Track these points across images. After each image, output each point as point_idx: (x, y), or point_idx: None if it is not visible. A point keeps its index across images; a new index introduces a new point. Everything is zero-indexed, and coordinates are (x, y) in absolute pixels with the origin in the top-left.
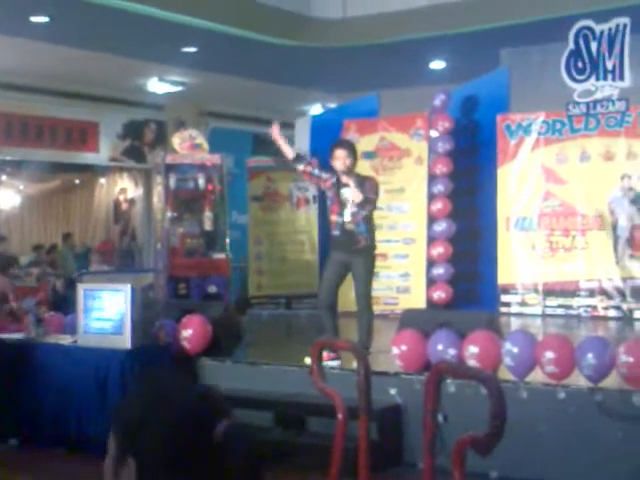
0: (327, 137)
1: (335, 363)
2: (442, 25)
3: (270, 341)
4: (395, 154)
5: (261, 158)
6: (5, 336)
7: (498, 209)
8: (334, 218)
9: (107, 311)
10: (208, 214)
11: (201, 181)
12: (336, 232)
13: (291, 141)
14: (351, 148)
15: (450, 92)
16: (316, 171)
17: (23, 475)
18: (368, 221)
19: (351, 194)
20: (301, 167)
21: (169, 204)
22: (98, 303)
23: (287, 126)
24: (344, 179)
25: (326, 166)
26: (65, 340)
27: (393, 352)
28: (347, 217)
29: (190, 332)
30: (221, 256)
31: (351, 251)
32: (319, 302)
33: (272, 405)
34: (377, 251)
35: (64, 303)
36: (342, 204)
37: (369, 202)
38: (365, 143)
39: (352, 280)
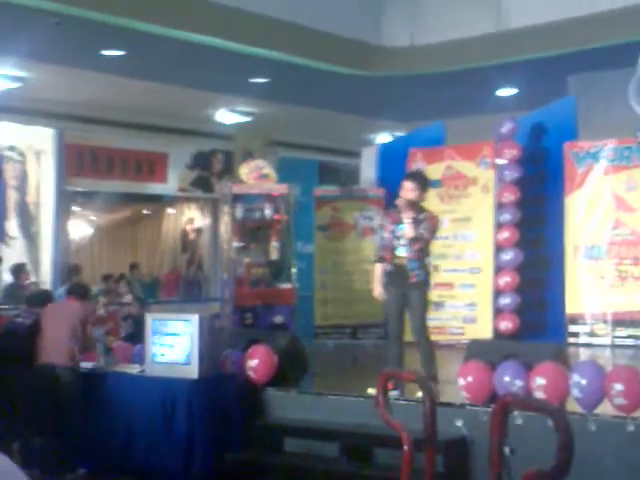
0: (394, 166)
1: (395, 393)
2: (509, 52)
3: (336, 371)
4: (461, 182)
5: (328, 187)
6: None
7: (566, 238)
8: (389, 254)
9: (175, 341)
10: (274, 244)
11: (268, 211)
12: (389, 267)
13: (357, 169)
14: (419, 181)
15: (517, 120)
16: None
17: None
18: (420, 258)
19: (405, 230)
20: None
21: (236, 234)
22: (166, 333)
23: (353, 155)
24: (404, 214)
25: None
26: (133, 369)
27: (459, 383)
28: (400, 252)
29: (256, 362)
30: (287, 286)
31: (405, 285)
32: (389, 332)
33: (338, 436)
34: (443, 281)
35: (139, 330)
36: (397, 239)
37: (421, 240)
38: (431, 172)
39: (407, 313)
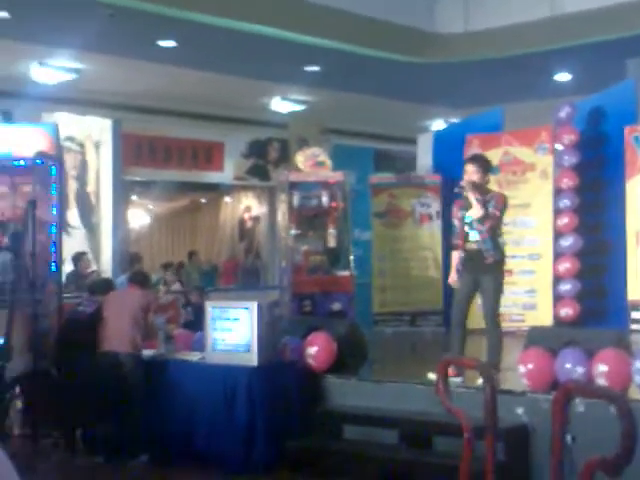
0: (450, 152)
1: (457, 380)
2: (566, 36)
3: (395, 358)
4: (519, 168)
5: (384, 175)
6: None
7: (627, 223)
8: (462, 240)
9: (234, 328)
10: (331, 231)
11: (324, 198)
12: (463, 253)
13: (413, 156)
14: (481, 163)
15: (575, 104)
16: (457, 222)
17: None
18: (493, 237)
19: (473, 210)
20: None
21: (293, 221)
22: (226, 320)
23: (409, 142)
24: (470, 195)
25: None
26: (194, 357)
27: (520, 370)
28: (472, 236)
29: (315, 349)
30: (345, 273)
31: (479, 270)
32: (452, 318)
33: (397, 423)
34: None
35: (198, 318)
36: (468, 224)
37: (490, 217)
38: (490, 158)
39: (480, 298)
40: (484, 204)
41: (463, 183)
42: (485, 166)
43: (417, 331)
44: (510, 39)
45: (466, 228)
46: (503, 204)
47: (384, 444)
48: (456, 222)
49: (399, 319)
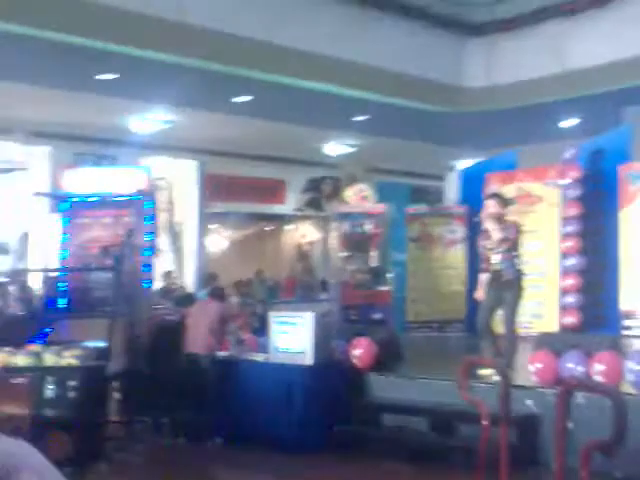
0: (473, 187)
1: (489, 372)
2: (572, 89)
3: (425, 359)
4: (530, 201)
5: (418, 206)
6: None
7: (620, 246)
8: (486, 264)
9: (293, 334)
10: (374, 253)
11: (368, 226)
12: (488, 273)
13: (442, 191)
14: (498, 199)
15: (579, 146)
16: (482, 250)
17: (226, 468)
18: (510, 258)
19: (493, 235)
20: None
21: (342, 245)
22: (286, 327)
23: (439, 178)
24: (490, 225)
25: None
26: (259, 357)
27: (529, 369)
28: (493, 259)
29: (359, 351)
30: (384, 288)
31: (500, 286)
32: (478, 326)
33: (427, 412)
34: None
35: (263, 325)
36: (490, 250)
37: (506, 240)
38: (505, 192)
39: (501, 309)
40: (501, 231)
41: (482, 215)
42: (502, 201)
43: (444, 336)
44: (525, 91)
45: (489, 254)
46: (516, 230)
47: (415, 430)
48: (481, 250)
49: (429, 326)
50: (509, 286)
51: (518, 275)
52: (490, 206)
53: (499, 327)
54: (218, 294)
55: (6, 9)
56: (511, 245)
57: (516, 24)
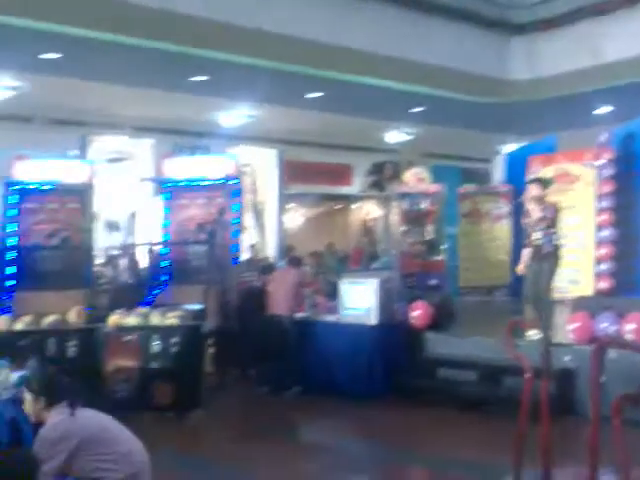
0: (517, 169)
1: (533, 332)
2: (605, 79)
3: (475, 320)
4: (568, 179)
5: (468, 186)
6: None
7: None
8: (529, 240)
9: (360, 298)
10: (429, 227)
11: (424, 204)
12: (530, 247)
13: (488, 173)
14: (539, 183)
15: (612, 131)
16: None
17: (303, 412)
18: (549, 235)
19: (535, 214)
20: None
21: (402, 221)
22: (354, 292)
23: (486, 161)
24: (531, 206)
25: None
26: (331, 318)
27: (567, 329)
28: (534, 236)
29: (417, 313)
30: (439, 258)
31: (540, 259)
32: (523, 295)
33: (476, 366)
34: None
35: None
36: (531, 227)
37: (545, 219)
38: (546, 173)
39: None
40: (541, 211)
41: (525, 197)
42: (542, 184)
43: (491, 300)
44: (563, 83)
45: (530, 231)
46: (555, 210)
47: (466, 381)
48: (524, 227)
49: (478, 291)
50: (547, 258)
51: (555, 248)
52: (532, 189)
53: (541, 294)
54: (295, 262)
55: (116, 23)
56: (550, 223)
57: (554, 23)
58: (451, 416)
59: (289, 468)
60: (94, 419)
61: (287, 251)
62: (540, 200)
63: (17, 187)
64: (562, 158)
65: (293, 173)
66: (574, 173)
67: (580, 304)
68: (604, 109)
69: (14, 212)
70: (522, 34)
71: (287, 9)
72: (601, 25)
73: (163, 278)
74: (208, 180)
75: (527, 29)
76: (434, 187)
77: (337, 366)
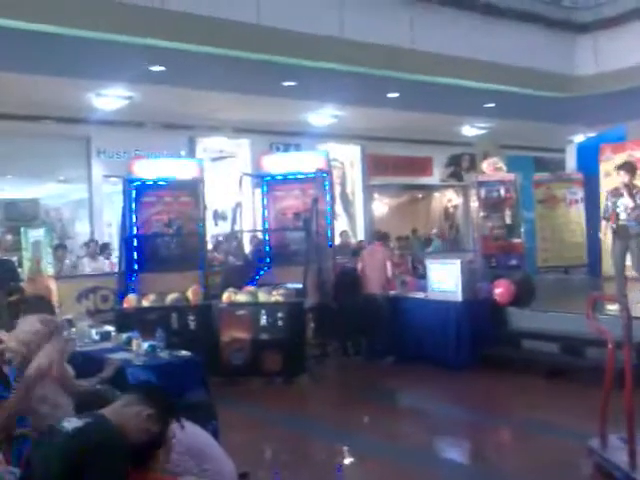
0: (589, 157)
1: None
2: None
3: (554, 296)
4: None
5: (542, 174)
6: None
7: None
8: (613, 217)
9: (446, 277)
10: (508, 212)
11: (502, 191)
12: (614, 225)
13: (562, 162)
14: (628, 168)
15: None
16: (610, 204)
17: (396, 380)
18: (637, 219)
19: (625, 201)
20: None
21: (481, 207)
22: (440, 271)
23: (559, 151)
24: (622, 191)
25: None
26: (420, 295)
27: None
28: (622, 216)
29: (500, 290)
30: (518, 240)
31: (627, 238)
32: (615, 269)
33: (559, 338)
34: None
35: (421, 271)
36: (619, 207)
37: (637, 208)
38: (618, 159)
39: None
40: (634, 197)
41: (618, 184)
42: (632, 171)
43: (569, 278)
44: (627, 76)
45: (618, 210)
46: None
47: (549, 353)
48: (609, 204)
49: (556, 270)
50: (633, 239)
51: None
52: (622, 175)
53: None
54: (382, 237)
55: (215, 38)
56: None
57: (616, 22)
58: (536, 384)
59: (387, 429)
60: (200, 434)
61: (374, 235)
62: (629, 186)
63: (136, 183)
64: (632, 146)
65: (376, 166)
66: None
67: None
68: None
69: (134, 205)
70: (586, 32)
71: (367, 18)
72: None
73: (266, 261)
74: (301, 174)
75: (591, 28)
76: (509, 176)
77: (427, 338)
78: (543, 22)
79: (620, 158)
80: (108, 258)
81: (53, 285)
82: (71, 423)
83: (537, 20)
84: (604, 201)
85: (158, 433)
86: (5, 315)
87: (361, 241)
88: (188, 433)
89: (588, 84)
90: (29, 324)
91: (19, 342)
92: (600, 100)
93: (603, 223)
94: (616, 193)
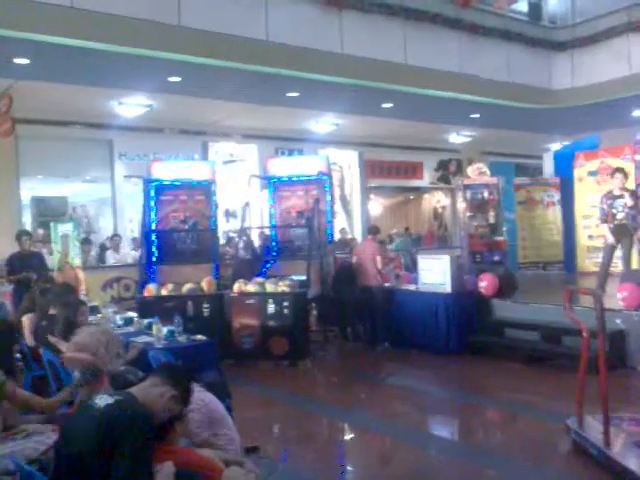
0: (564, 164)
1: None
2: (638, 87)
3: (533, 289)
4: (609, 171)
5: (522, 178)
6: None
7: None
8: (610, 217)
9: (435, 271)
10: (491, 213)
11: (486, 194)
12: (612, 225)
13: (540, 167)
14: (623, 173)
15: None
16: (606, 207)
17: (392, 363)
18: (635, 218)
19: (624, 201)
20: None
21: (467, 208)
22: (430, 266)
23: (537, 158)
24: (619, 192)
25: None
26: (412, 287)
27: (618, 296)
28: (619, 216)
29: (485, 283)
30: (500, 238)
31: (622, 235)
32: (602, 262)
33: (538, 328)
34: (599, 233)
35: (412, 265)
36: (615, 208)
37: (636, 207)
38: (590, 166)
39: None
40: (632, 197)
41: (614, 188)
42: (626, 175)
43: (546, 274)
44: (600, 91)
45: (614, 210)
46: (637, 197)
47: (529, 340)
48: (605, 207)
49: (535, 266)
50: (627, 236)
51: (636, 227)
52: (619, 178)
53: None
54: (373, 230)
55: (226, 52)
56: (638, 211)
57: (591, 40)
58: (518, 369)
59: (385, 407)
60: (220, 404)
61: (369, 231)
62: (624, 188)
63: (155, 183)
64: (604, 153)
65: (372, 170)
66: (614, 165)
67: (627, 277)
68: (639, 112)
69: (153, 203)
70: (563, 50)
71: (364, 35)
72: (633, 40)
73: (273, 255)
74: (304, 176)
75: (567, 46)
76: (493, 179)
77: (419, 326)
78: (524, 40)
79: (593, 165)
80: (136, 250)
81: (81, 275)
82: (102, 400)
83: (518, 38)
84: (599, 205)
85: (179, 411)
86: (61, 323)
87: (352, 238)
88: (213, 401)
89: (564, 97)
90: (88, 334)
91: (86, 352)
92: (575, 112)
93: (605, 227)
94: (610, 196)
